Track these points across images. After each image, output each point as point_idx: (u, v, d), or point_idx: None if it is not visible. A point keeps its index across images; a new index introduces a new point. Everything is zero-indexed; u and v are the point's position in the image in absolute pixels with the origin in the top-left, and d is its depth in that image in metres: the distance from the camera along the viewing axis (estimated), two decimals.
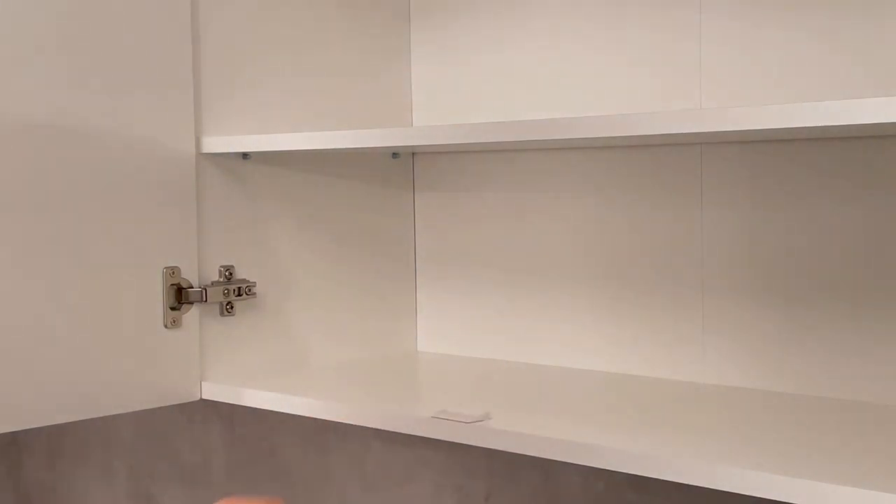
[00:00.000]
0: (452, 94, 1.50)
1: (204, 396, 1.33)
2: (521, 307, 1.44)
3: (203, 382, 1.33)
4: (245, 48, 1.37)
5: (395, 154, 1.53)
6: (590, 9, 1.35)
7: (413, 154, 1.56)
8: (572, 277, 1.38)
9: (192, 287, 1.31)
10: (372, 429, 1.14)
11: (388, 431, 1.13)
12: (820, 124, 0.86)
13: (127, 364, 1.27)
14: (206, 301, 1.31)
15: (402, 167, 1.55)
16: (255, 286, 1.36)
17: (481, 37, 1.46)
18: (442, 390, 1.32)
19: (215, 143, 1.32)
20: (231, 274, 1.35)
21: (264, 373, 1.38)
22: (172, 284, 1.29)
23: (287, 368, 1.39)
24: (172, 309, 1.30)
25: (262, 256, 1.39)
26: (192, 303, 1.31)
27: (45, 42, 1.19)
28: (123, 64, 1.25)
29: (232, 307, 1.35)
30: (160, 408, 1.31)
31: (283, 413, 1.28)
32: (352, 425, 1.10)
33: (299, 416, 1.27)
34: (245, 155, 1.36)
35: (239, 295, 1.34)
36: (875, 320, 1.14)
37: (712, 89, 1.24)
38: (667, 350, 1.30)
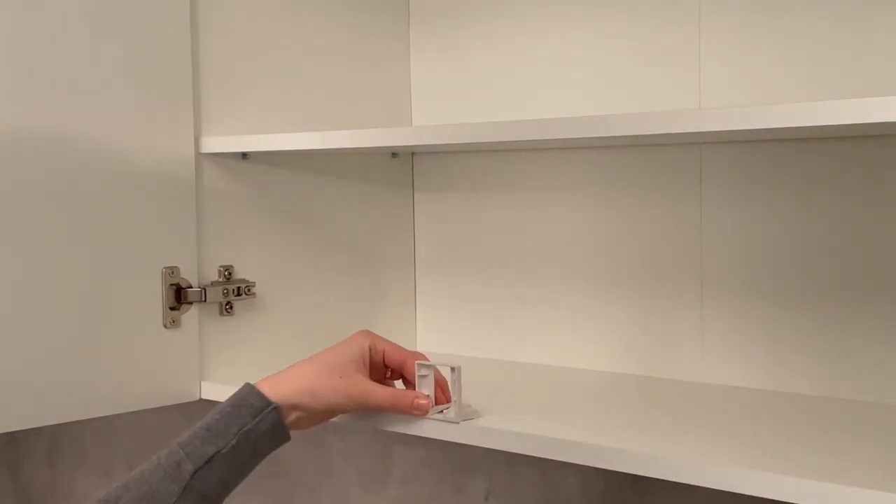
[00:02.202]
0: (452, 94, 1.50)
1: (203, 396, 1.33)
2: (521, 307, 1.44)
3: (202, 382, 1.33)
4: (244, 48, 1.36)
5: (394, 154, 1.53)
6: (589, 9, 1.35)
7: (412, 154, 1.56)
8: (572, 277, 1.38)
9: (191, 287, 1.31)
10: (371, 428, 1.14)
11: (388, 431, 1.13)
12: (819, 124, 0.86)
13: (126, 364, 1.27)
14: (205, 301, 1.31)
15: (401, 167, 1.54)
16: (254, 286, 1.36)
17: (481, 37, 1.46)
18: None
19: (214, 143, 1.32)
20: (230, 274, 1.35)
21: (264, 373, 1.37)
22: (172, 284, 1.29)
23: None
24: (172, 309, 1.29)
25: (262, 256, 1.39)
26: (191, 303, 1.31)
27: (45, 43, 1.19)
28: (123, 64, 1.25)
29: (231, 307, 1.35)
30: (160, 408, 1.31)
31: None
32: (351, 425, 1.10)
33: None
34: (244, 155, 1.36)
35: (238, 295, 1.34)
36: (875, 319, 1.14)
37: (712, 89, 1.24)
38: (666, 349, 1.30)
